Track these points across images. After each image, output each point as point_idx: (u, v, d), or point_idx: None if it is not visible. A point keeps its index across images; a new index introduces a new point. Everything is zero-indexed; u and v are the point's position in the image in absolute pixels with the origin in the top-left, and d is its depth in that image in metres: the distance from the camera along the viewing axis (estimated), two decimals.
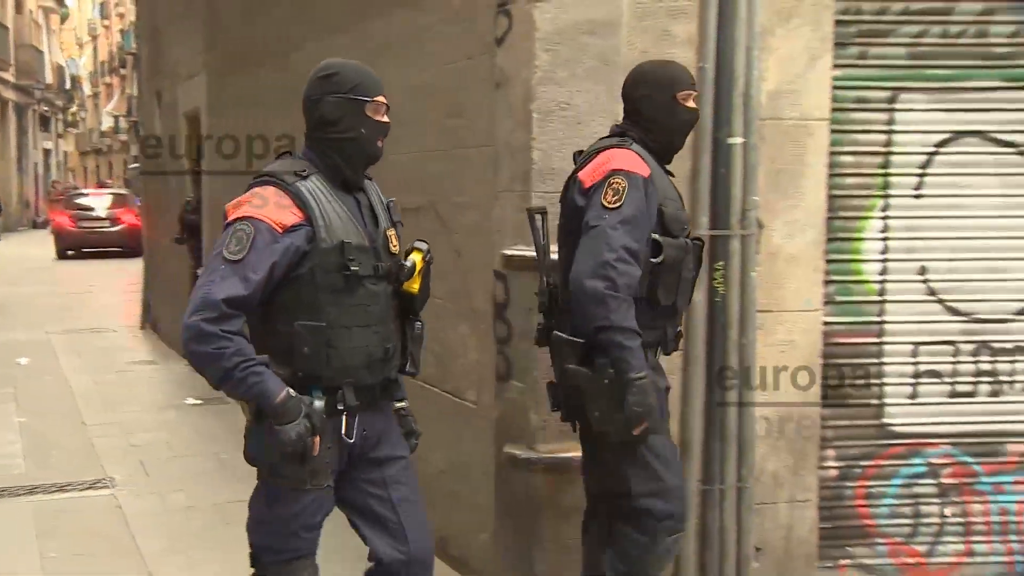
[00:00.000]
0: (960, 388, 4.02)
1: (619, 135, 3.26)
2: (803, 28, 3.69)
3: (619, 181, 3.05)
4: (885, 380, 4.02)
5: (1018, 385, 3.99)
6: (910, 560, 4.04)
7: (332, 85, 2.83)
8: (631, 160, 3.12)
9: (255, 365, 2.65)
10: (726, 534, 3.76)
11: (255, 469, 2.82)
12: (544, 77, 3.59)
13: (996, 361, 4.00)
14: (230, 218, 2.73)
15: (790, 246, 3.80)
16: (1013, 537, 4.04)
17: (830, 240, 3.89)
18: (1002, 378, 4.00)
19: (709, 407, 3.74)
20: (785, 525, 3.87)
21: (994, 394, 4.01)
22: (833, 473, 4.00)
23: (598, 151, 3.20)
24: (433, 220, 4.38)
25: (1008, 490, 4.01)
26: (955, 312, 4.00)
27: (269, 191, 2.75)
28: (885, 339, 4.01)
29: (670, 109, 3.24)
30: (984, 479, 4.02)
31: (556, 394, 3.26)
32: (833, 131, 3.83)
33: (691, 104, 3.27)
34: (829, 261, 3.90)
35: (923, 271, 3.99)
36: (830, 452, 3.99)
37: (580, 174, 3.18)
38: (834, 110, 3.81)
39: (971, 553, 4.05)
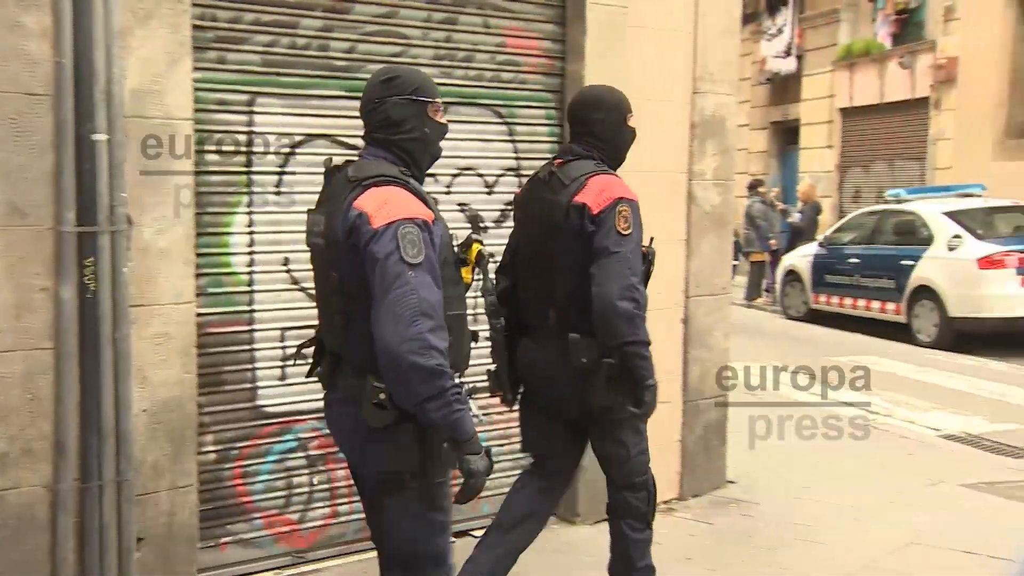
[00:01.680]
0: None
1: (587, 157, 3.64)
2: (162, 30, 3.79)
3: (626, 209, 3.48)
4: (257, 365, 4.28)
5: None
6: (284, 529, 4.36)
7: (394, 88, 2.92)
8: (625, 188, 3.56)
9: (462, 394, 2.68)
10: (106, 530, 3.75)
11: None
12: None
13: None
14: (381, 223, 2.70)
15: (161, 241, 3.88)
16: None
17: (200, 235, 4.04)
18: None
19: (84, 403, 3.71)
20: (167, 512, 3.96)
21: None
22: (212, 457, 4.18)
23: (587, 176, 3.55)
24: None
25: None
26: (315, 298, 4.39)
27: (397, 191, 2.79)
28: (256, 326, 4.27)
29: (620, 130, 3.72)
30: None
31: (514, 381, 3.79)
32: (197, 131, 3.98)
33: (632, 124, 3.74)
34: (200, 255, 4.05)
35: (287, 262, 4.32)
36: (208, 437, 4.16)
37: (583, 200, 3.50)
38: (197, 111, 3.96)
39: (336, 514, 4.48)
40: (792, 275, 14.04)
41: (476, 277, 3.09)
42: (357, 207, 2.75)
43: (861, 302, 12.55)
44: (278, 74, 4.22)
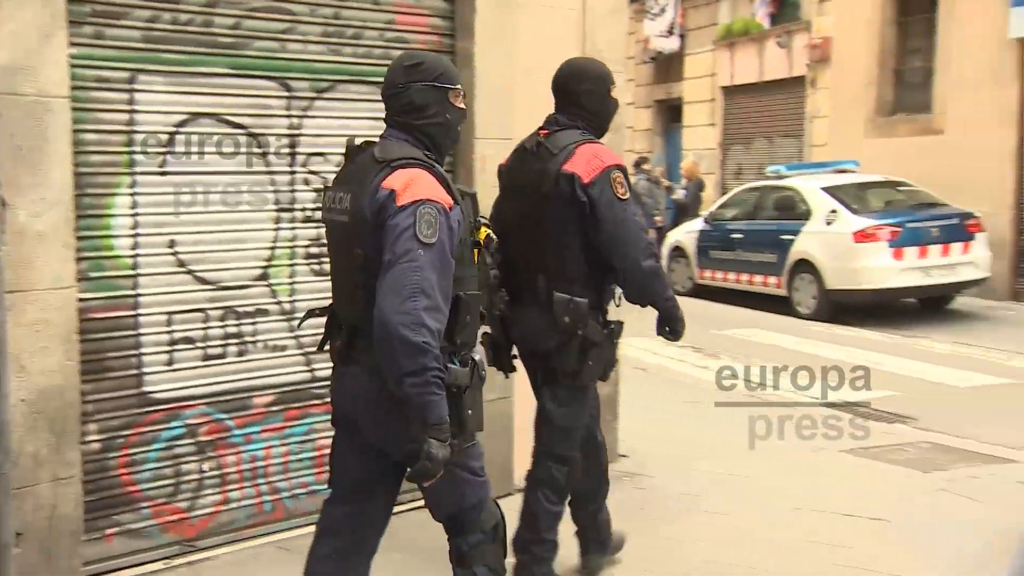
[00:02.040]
0: (211, 351, 4.32)
1: (572, 127, 3.78)
2: (33, 3, 3.62)
3: (618, 175, 3.66)
4: (143, 350, 4.17)
5: (260, 344, 4.42)
6: (173, 518, 4.26)
7: (419, 74, 3.03)
8: (612, 155, 3.76)
9: (441, 378, 2.75)
10: None
11: None
12: None
13: (241, 324, 4.39)
14: (405, 201, 2.80)
15: (38, 224, 3.73)
16: (261, 480, 4.48)
17: (80, 217, 3.91)
18: (247, 339, 4.41)
19: None
20: (48, 505, 3.83)
21: (241, 354, 4.40)
22: (96, 446, 4.05)
23: (575, 145, 3.69)
24: None
25: (256, 439, 4.43)
26: (203, 281, 4.29)
27: (423, 173, 2.90)
28: (140, 311, 4.15)
29: (605, 101, 3.84)
30: (236, 432, 4.39)
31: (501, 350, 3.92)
32: (75, 109, 3.83)
33: (615, 95, 3.89)
34: (80, 238, 3.91)
35: (172, 244, 4.21)
36: (92, 426, 4.03)
37: (572, 169, 3.64)
38: (75, 88, 3.82)
39: (227, 501, 4.40)
40: (678, 251, 14.30)
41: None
42: (385, 186, 2.87)
43: (744, 276, 12.87)
44: (160, 51, 4.08)
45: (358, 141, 3.12)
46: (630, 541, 4.64)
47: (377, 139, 3.09)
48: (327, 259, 4.52)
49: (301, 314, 4.50)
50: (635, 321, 4.31)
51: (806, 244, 11.81)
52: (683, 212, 15.56)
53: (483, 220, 3.17)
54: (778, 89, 17.41)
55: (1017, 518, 4.90)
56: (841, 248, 11.32)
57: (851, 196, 11.88)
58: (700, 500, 5.19)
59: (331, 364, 3.18)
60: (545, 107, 5.12)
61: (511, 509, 4.95)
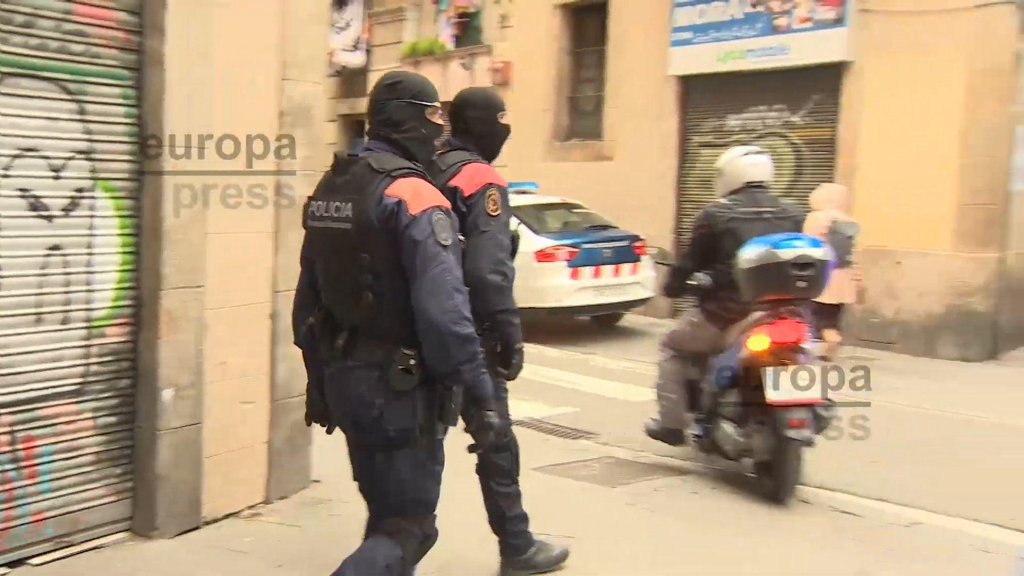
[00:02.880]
0: None
1: (461, 148, 4.12)
2: None
3: (494, 193, 3.95)
4: None
5: None
6: None
7: (397, 92, 3.32)
8: (495, 174, 4.05)
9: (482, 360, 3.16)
10: None
11: None
12: None
13: None
14: (417, 210, 3.11)
15: None
16: None
17: None
18: None
19: None
20: None
21: None
22: None
23: (461, 164, 4.01)
24: None
25: None
26: None
27: (423, 182, 3.22)
28: None
29: (492, 126, 4.21)
30: None
31: None
32: None
33: (505, 121, 4.25)
34: None
35: None
36: None
37: (456, 184, 3.93)
38: None
39: None
40: None
41: None
42: (392, 195, 3.13)
43: None
44: None
45: (343, 153, 3.31)
46: (327, 573, 4.46)
47: (364, 152, 3.31)
48: None
49: None
50: None
51: None
52: None
53: None
54: None
55: (650, 529, 5.22)
56: (524, 267, 11.61)
57: (532, 216, 12.29)
58: None
59: (327, 366, 3.34)
60: (246, 113, 4.87)
61: (201, 542, 4.63)
